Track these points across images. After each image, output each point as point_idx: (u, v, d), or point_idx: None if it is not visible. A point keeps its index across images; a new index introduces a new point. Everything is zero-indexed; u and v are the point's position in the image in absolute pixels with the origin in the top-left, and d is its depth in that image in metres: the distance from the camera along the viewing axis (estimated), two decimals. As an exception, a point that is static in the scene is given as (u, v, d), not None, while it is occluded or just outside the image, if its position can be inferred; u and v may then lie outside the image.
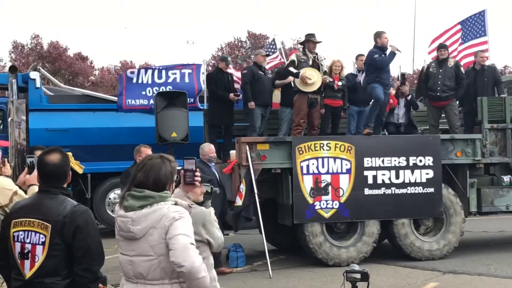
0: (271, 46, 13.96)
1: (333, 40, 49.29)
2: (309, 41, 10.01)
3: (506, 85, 10.94)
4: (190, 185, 3.60)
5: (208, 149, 8.82)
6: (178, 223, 3.18)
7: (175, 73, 11.53)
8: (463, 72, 10.52)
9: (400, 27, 47.25)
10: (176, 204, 3.32)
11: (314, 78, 9.74)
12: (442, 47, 10.67)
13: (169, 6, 57.20)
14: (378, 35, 10.03)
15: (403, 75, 10.32)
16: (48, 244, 3.29)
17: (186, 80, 11.59)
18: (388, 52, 9.93)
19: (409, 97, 10.69)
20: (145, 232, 3.23)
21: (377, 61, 9.84)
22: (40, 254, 3.31)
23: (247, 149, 9.00)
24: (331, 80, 10.34)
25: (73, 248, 3.29)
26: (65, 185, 3.50)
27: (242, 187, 8.89)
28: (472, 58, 11.66)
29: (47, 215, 3.33)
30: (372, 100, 10.16)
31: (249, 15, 56.65)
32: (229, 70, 11.31)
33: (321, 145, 9.26)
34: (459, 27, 12.74)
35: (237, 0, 56.39)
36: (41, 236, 3.30)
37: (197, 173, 3.62)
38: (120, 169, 9.47)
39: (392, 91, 10.60)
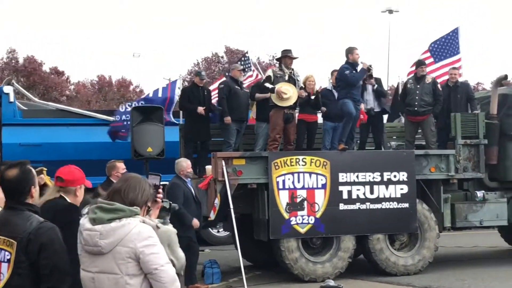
0: (245, 63, 13.98)
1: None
2: (286, 57, 10.07)
3: (479, 101, 11.06)
4: (153, 202, 3.53)
5: (186, 164, 8.77)
6: (156, 250, 3.14)
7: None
8: (440, 89, 10.63)
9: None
10: (144, 222, 3.26)
11: (289, 93, 9.77)
12: (421, 64, 10.81)
13: (147, 21, 57.34)
14: (349, 51, 10.09)
15: (369, 69, 10.27)
16: (14, 261, 3.19)
17: (159, 94, 11.56)
18: (359, 68, 10.00)
19: (375, 87, 10.68)
20: (112, 248, 3.15)
21: (348, 77, 9.91)
22: (5, 272, 3.21)
23: (223, 164, 8.99)
24: (306, 94, 10.41)
25: (39, 266, 3.20)
26: (30, 201, 3.38)
27: (217, 202, 8.85)
28: (447, 77, 11.83)
29: (13, 232, 3.23)
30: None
31: (228, 29, 57.06)
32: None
33: (297, 160, 9.28)
34: (427, 49, 12.89)
35: (217, 15, 56.82)
36: (7, 253, 3.21)
37: (160, 191, 3.59)
38: (94, 184, 9.32)
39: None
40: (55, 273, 3.19)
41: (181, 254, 3.60)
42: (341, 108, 9.97)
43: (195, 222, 8.50)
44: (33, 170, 3.48)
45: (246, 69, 13.75)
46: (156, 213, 3.59)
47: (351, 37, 53.80)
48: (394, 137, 11.45)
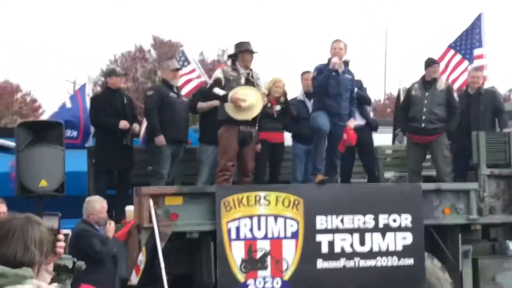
0: (181, 61, 13.99)
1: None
2: (243, 52, 10.09)
3: (511, 116, 11.29)
4: (51, 254, 3.50)
5: (101, 206, 8.72)
6: None
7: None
8: (457, 98, 10.77)
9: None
10: None
11: (250, 100, 9.75)
12: (433, 62, 10.91)
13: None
14: (331, 45, 10.34)
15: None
16: None
17: (68, 105, 11.46)
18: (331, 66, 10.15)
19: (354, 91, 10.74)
20: None
21: (314, 81, 10.21)
22: None
23: (151, 204, 8.94)
24: (269, 105, 10.47)
25: None
26: None
27: (141, 258, 8.76)
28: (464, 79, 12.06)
29: None
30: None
31: (157, 14, 57.25)
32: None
33: (257, 198, 9.28)
34: (452, 52, 13.12)
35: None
36: None
37: (61, 236, 3.54)
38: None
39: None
40: None
41: None
42: (311, 124, 10.21)
43: None
44: None
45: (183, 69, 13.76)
46: (49, 273, 3.51)
47: (336, 30, 55.85)
48: (393, 165, 11.58)
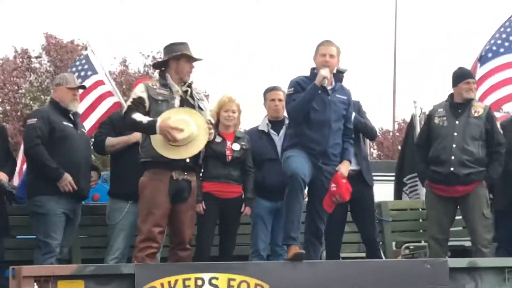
0: (82, 71, 13.88)
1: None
2: (177, 59, 10.02)
3: None
4: None
5: None
6: None
7: None
8: (501, 129, 10.94)
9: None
10: None
11: (190, 129, 9.68)
12: (467, 75, 11.12)
13: None
14: (316, 49, 10.48)
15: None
16: None
17: None
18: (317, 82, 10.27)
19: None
20: None
21: (289, 102, 10.38)
22: None
23: (35, 289, 8.96)
24: (220, 140, 10.63)
25: None
26: None
27: None
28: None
29: None
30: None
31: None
32: None
33: (199, 282, 9.22)
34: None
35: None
36: None
37: None
38: None
39: None
40: None
41: None
42: (283, 169, 10.34)
43: None
44: None
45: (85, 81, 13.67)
46: None
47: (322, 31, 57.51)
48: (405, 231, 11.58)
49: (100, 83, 14.07)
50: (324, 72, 10.13)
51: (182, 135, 9.61)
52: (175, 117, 9.68)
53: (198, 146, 9.78)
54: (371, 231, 11.03)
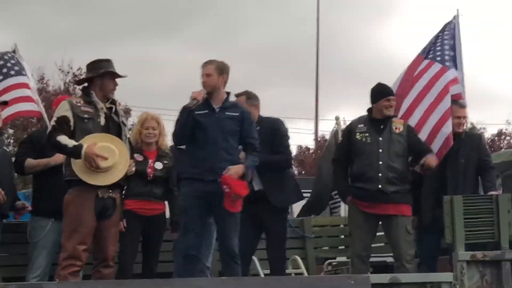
0: (6, 66, 13.57)
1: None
2: (103, 77, 9.99)
3: (501, 169, 11.52)
4: None
5: None
6: None
7: None
8: (422, 142, 11.03)
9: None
10: None
11: (114, 159, 9.69)
12: (387, 92, 11.11)
13: None
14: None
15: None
16: None
17: None
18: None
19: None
20: None
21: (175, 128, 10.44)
22: None
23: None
24: (141, 158, 10.70)
25: None
26: None
27: None
28: None
29: None
30: None
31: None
32: None
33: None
34: (426, 61, 13.22)
35: None
36: None
37: None
38: None
39: None
40: None
41: None
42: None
43: None
44: None
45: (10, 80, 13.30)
46: None
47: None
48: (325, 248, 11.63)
49: (25, 85, 13.67)
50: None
51: (106, 163, 9.62)
52: (100, 144, 9.66)
53: (116, 176, 9.78)
54: (277, 252, 11.00)
